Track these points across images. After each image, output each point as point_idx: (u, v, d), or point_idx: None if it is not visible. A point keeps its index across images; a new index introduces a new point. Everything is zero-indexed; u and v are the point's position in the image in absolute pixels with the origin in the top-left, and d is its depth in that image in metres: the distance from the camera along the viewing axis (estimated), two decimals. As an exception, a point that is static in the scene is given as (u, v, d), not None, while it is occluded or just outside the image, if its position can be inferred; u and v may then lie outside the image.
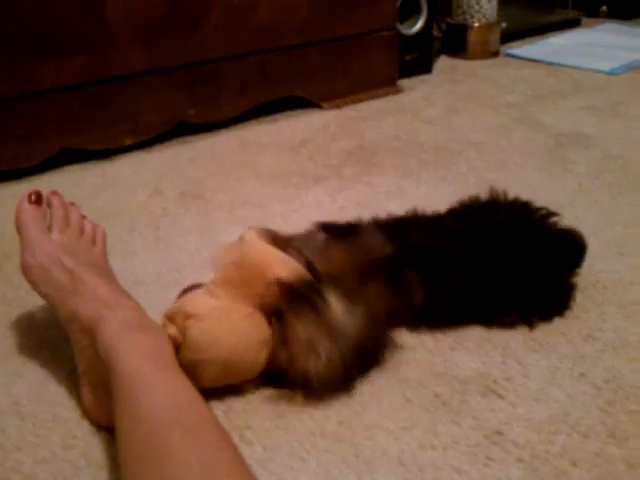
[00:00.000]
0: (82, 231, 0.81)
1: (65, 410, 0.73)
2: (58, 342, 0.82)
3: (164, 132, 1.46)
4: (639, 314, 0.86)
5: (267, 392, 0.75)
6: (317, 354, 0.70)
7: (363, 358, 0.75)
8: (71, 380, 0.76)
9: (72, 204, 0.84)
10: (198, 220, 1.15)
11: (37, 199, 0.79)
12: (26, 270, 0.75)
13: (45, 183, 1.28)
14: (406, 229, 0.86)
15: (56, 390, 0.76)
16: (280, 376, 0.73)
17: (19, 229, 0.78)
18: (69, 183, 1.29)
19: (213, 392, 0.73)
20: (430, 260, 0.82)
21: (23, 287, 0.78)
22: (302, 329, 0.71)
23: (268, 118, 1.59)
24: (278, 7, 1.51)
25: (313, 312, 0.72)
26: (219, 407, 0.72)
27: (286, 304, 0.72)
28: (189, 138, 1.49)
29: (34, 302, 0.88)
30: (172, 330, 0.70)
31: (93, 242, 0.81)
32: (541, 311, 0.85)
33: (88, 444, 0.69)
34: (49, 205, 0.81)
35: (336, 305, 0.73)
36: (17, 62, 1.25)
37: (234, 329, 0.72)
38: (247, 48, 1.51)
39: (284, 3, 1.52)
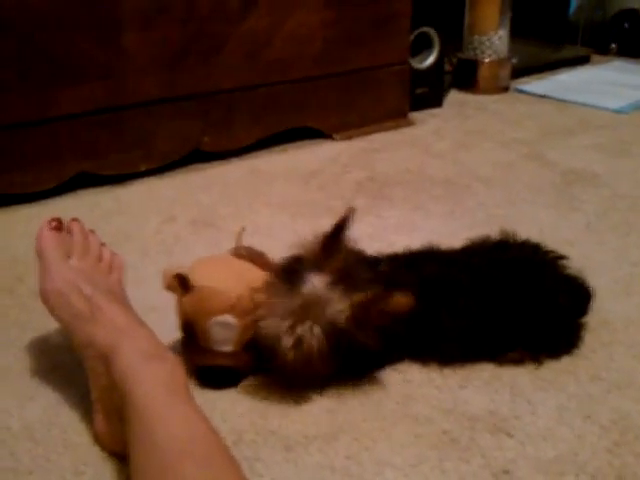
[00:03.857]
0: (101, 258, 0.82)
1: (77, 435, 0.74)
2: (71, 366, 0.82)
3: (178, 159, 1.47)
4: (647, 355, 0.87)
5: (275, 423, 0.75)
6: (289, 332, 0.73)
7: (347, 340, 0.74)
8: (83, 405, 0.77)
9: (92, 231, 0.86)
10: (210, 248, 1.16)
11: (58, 226, 0.80)
12: (44, 295, 0.76)
13: (59, 207, 1.30)
14: (421, 261, 0.87)
15: (68, 415, 0.77)
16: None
17: (39, 255, 0.79)
18: (82, 207, 1.31)
19: (223, 421, 0.74)
20: (443, 292, 0.83)
21: (37, 310, 0.79)
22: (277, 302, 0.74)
23: (280, 148, 1.61)
24: (293, 40, 1.54)
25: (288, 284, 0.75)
26: (229, 437, 0.72)
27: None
28: (202, 165, 1.51)
29: (48, 325, 0.89)
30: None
31: (111, 270, 0.82)
32: (549, 349, 0.86)
33: (98, 471, 0.69)
34: (69, 232, 0.82)
35: (317, 279, 0.75)
36: (34, 88, 1.27)
37: (224, 266, 0.84)
38: (262, 79, 1.54)
39: (299, 36, 1.54)
